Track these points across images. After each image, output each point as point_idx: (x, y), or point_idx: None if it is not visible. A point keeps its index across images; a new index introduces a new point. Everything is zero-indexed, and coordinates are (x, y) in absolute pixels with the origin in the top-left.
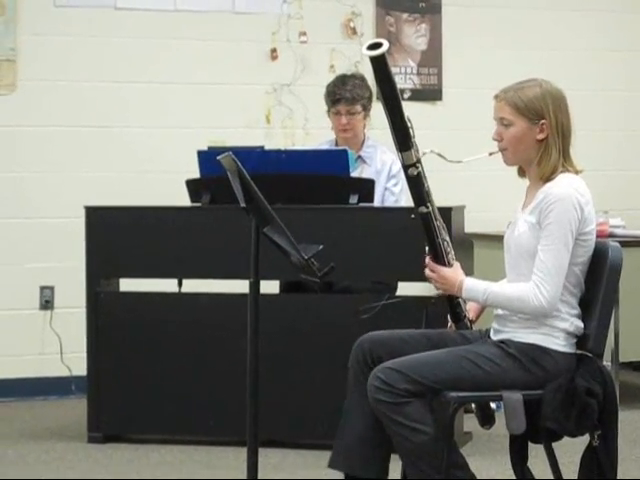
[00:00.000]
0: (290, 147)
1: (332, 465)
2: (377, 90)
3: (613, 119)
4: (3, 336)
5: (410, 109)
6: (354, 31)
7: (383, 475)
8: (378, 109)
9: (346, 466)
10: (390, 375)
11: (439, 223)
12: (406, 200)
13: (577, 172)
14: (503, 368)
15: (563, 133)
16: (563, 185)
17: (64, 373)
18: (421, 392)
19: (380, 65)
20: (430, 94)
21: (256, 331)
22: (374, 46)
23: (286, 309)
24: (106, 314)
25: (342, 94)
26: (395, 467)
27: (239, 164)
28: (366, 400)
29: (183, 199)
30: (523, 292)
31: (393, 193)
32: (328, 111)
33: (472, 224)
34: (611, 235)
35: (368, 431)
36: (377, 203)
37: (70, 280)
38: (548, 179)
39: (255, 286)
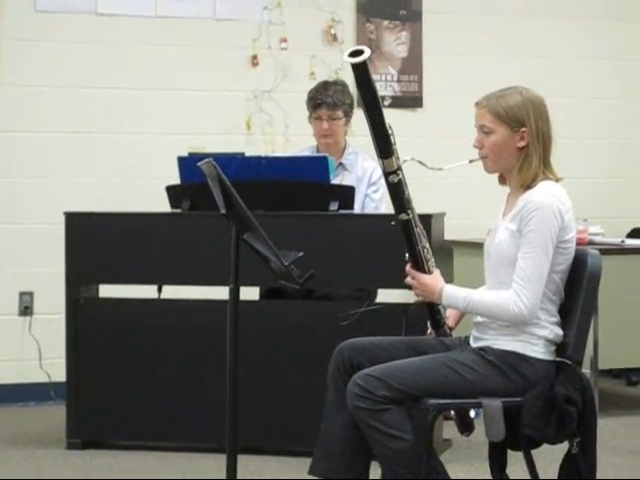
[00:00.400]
0: (270, 154)
1: (312, 472)
2: (358, 97)
3: (603, 127)
4: None
5: (390, 116)
6: (335, 38)
7: None
8: (360, 116)
9: (326, 474)
10: (369, 382)
11: (419, 230)
12: (386, 207)
13: (557, 180)
14: (482, 375)
15: (544, 141)
16: (544, 193)
17: (43, 379)
18: (400, 399)
19: (361, 72)
20: (410, 101)
21: (236, 337)
22: (355, 53)
23: (266, 315)
24: (85, 320)
25: (324, 99)
26: (374, 474)
27: (219, 170)
28: (345, 407)
29: (163, 205)
30: (503, 300)
31: (373, 200)
32: (309, 117)
33: (452, 231)
34: (590, 243)
35: (348, 438)
36: (357, 210)
37: (49, 286)
38: (529, 187)
39: (235, 292)
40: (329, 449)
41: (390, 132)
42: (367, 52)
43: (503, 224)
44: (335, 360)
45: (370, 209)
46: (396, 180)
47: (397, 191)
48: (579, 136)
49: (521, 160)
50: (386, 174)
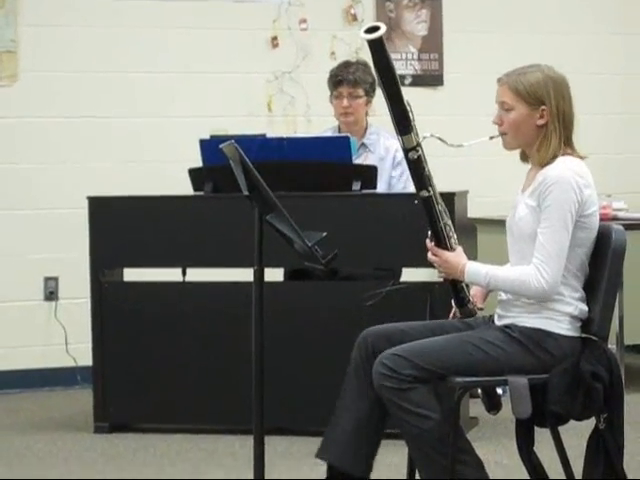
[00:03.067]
0: (292, 135)
1: (319, 455)
2: (375, 73)
3: (627, 102)
4: (8, 327)
5: (411, 95)
6: (355, 17)
7: (366, 474)
8: (380, 95)
9: (332, 458)
10: (395, 361)
11: (441, 207)
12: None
13: (580, 158)
14: (508, 353)
15: (564, 120)
16: (561, 167)
17: (69, 364)
18: (426, 378)
19: (378, 48)
20: (431, 79)
21: (261, 319)
22: (372, 29)
23: (290, 296)
24: (110, 304)
25: (344, 76)
26: (401, 452)
27: (241, 152)
28: (361, 394)
29: (186, 188)
30: (524, 275)
31: (400, 180)
32: (330, 96)
33: (475, 209)
34: (614, 218)
35: (359, 426)
36: (382, 190)
37: (74, 271)
38: (548, 164)
39: (259, 274)
40: (339, 435)
41: (409, 108)
42: (383, 28)
43: (522, 200)
44: (358, 347)
45: (398, 190)
46: (415, 157)
47: (417, 168)
48: (603, 111)
49: (540, 138)
50: (405, 151)
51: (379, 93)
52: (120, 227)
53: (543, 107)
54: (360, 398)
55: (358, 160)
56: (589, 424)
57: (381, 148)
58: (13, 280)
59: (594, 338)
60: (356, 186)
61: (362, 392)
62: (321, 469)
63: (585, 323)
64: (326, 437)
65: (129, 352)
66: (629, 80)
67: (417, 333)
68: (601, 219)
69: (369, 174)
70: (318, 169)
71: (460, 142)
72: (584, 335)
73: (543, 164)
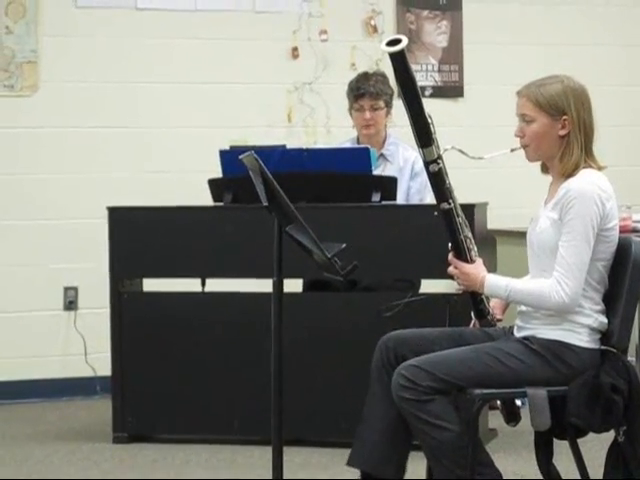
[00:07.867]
0: (312, 145)
1: (350, 463)
2: (397, 86)
3: (636, 114)
4: (27, 337)
5: (431, 106)
6: (375, 29)
7: (400, 475)
8: (400, 107)
9: (364, 465)
10: (414, 373)
11: (461, 219)
12: (431, 197)
13: (600, 168)
14: (527, 365)
15: (585, 129)
16: (584, 181)
17: (88, 374)
18: (445, 389)
19: (399, 61)
20: (451, 91)
21: (280, 330)
22: (393, 42)
23: (310, 308)
24: (130, 314)
25: (366, 89)
26: (420, 464)
27: (261, 163)
28: (387, 399)
29: (205, 199)
30: (544, 288)
31: (418, 191)
32: (350, 108)
33: (495, 220)
34: (634, 230)
35: (388, 431)
36: (400, 201)
37: (94, 281)
38: (570, 175)
39: (278, 285)
40: (368, 441)
41: (430, 121)
42: (405, 41)
43: (544, 213)
44: (379, 352)
45: (415, 201)
46: (437, 169)
47: (438, 180)
48: (623, 123)
49: (562, 149)
50: (426, 163)
51: (398, 104)
52: (140, 237)
53: (564, 117)
54: (385, 402)
55: (377, 171)
56: (608, 437)
57: (400, 159)
58: (33, 290)
59: (613, 350)
60: (376, 197)
61: (386, 395)
62: None
63: (604, 335)
64: (355, 444)
65: (148, 362)
66: None
67: (437, 339)
68: (621, 231)
69: (389, 185)
70: (338, 180)
71: (480, 154)
72: (603, 347)
73: (566, 174)
